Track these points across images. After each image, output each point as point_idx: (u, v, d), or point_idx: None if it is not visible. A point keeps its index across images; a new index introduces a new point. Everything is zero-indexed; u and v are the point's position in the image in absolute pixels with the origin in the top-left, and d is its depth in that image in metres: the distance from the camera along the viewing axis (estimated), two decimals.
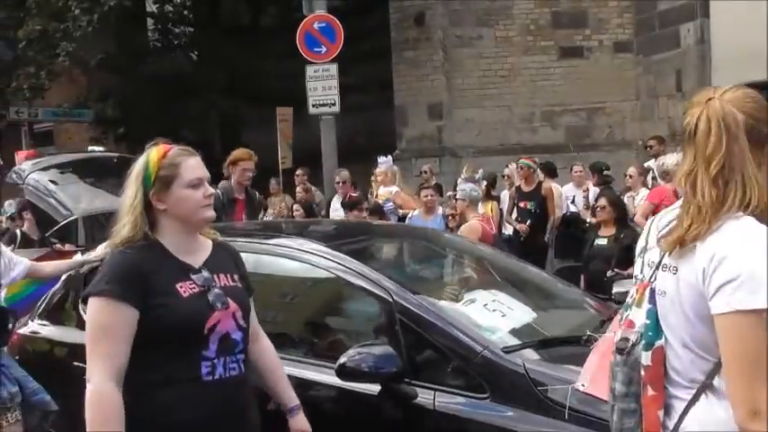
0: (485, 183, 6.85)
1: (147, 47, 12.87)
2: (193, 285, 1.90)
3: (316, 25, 8.80)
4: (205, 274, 1.94)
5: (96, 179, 4.28)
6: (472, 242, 4.21)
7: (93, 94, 12.32)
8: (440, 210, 6.46)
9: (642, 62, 11.01)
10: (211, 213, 1.99)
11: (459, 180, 7.86)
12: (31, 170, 3.69)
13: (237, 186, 5.05)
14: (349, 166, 8.33)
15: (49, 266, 3.13)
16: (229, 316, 1.93)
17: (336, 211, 7.56)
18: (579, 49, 11.31)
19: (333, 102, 8.87)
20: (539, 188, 7.08)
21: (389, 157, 7.52)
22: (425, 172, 8.86)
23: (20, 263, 3.00)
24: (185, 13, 13.72)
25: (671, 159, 6.27)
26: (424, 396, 2.28)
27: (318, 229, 3.98)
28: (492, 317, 2.62)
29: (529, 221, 6.76)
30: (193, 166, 1.95)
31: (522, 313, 2.76)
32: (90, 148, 4.33)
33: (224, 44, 11.82)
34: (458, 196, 6.25)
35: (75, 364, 2.93)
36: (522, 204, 7.02)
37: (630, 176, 6.97)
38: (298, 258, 2.83)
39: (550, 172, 7.78)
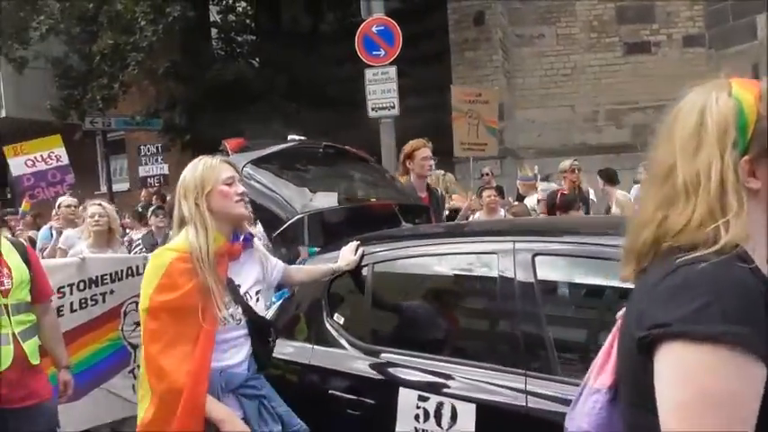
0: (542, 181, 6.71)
1: (211, 56, 13.23)
2: None
3: (374, 28, 8.81)
4: None
5: (308, 171, 3.74)
6: None
7: (161, 103, 12.75)
8: (502, 211, 6.35)
9: (714, 56, 10.53)
10: None
11: (518, 180, 7.72)
12: (243, 162, 3.19)
13: (419, 182, 4.36)
14: None
15: (302, 272, 2.73)
16: None
17: None
18: (646, 44, 10.95)
19: (392, 104, 8.85)
20: (581, 192, 6.91)
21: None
22: (486, 174, 8.73)
23: (277, 264, 2.55)
24: (248, 22, 14.05)
25: None
26: None
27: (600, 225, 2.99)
28: None
29: None
30: None
31: None
32: (290, 136, 3.79)
33: (285, 51, 12.03)
34: (540, 197, 6.14)
35: (333, 393, 2.52)
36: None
37: None
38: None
39: (611, 179, 7.40)
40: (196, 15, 11.09)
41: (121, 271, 4.17)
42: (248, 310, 2.23)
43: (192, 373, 2.07)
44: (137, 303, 4.13)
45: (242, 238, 2.30)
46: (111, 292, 4.11)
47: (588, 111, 11.09)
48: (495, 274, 2.35)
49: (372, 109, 8.92)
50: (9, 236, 3.06)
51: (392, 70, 8.88)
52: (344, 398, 2.49)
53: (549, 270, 2.32)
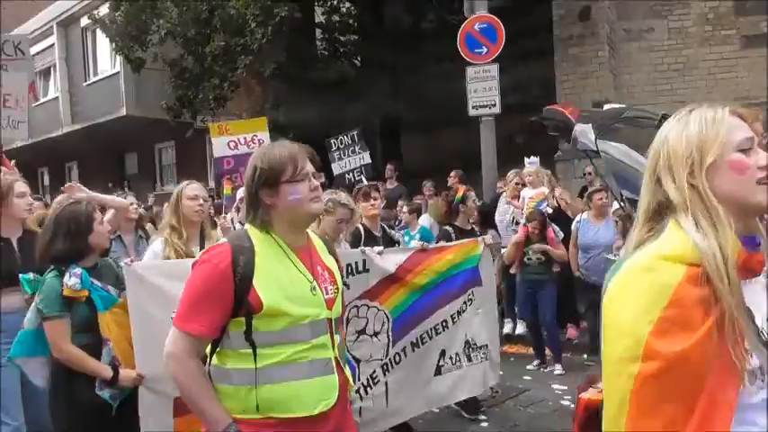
0: None
1: (315, 56, 13.61)
2: None
3: (477, 26, 8.80)
4: None
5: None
6: None
7: (267, 102, 13.26)
8: (611, 214, 6.18)
9: None
10: None
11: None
12: (595, 133, 2.49)
13: None
14: (507, 167, 8.22)
15: None
16: None
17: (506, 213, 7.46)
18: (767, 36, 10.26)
19: (493, 103, 8.82)
20: None
21: (537, 158, 7.35)
22: (589, 173, 8.52)
23: None
24: (351, 22, 14.33)
25: None
26: None
27: None
28: None
29: None
30: None
31: None
32: (606, 106, 2.85)
33: (386, 50, 12.20)
34: None
35: None
36: None
37: None
38: None
39: None
40: (302, 16, 11.44)
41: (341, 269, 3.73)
42: None
43: None
44: (358, 308, 3.70)
45: (759, 241, 1.32)
46: None
47: None
48: None
49: (473, 107, 8.92)
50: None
51: (494, 68, 8.83)
52: None
53: None
